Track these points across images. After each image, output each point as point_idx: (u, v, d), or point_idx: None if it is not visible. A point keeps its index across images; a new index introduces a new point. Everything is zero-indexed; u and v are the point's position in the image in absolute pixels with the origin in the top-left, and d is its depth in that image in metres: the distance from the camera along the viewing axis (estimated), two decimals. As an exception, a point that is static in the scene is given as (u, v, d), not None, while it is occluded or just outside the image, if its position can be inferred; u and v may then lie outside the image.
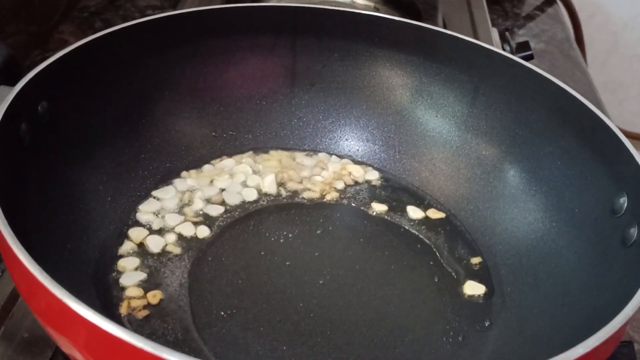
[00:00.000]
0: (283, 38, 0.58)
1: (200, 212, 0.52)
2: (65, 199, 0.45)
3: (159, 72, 0.54)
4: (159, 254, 0.48)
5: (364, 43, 0.58)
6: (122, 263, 0.46)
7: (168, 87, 0.55)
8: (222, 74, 0.57)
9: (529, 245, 0.49)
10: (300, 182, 0.56)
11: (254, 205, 0.53)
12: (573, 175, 0.48)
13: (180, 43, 0.55)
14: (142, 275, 0.46)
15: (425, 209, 0.54)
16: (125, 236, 0.48)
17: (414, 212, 0.54)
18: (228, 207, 0.53)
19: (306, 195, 0.55)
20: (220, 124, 0.58)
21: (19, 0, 0.73)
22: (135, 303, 0.44)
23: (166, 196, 0.52)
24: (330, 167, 0.57)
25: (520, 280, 0.48)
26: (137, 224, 0.50)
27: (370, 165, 0.58)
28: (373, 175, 0.57)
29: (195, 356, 0.27)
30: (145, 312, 0.43)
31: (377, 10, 0.74)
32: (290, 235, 0.51)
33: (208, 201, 0.53)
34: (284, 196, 0.55)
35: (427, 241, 0.52)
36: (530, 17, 1.00)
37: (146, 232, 0.49)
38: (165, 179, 0.54)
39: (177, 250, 0.48)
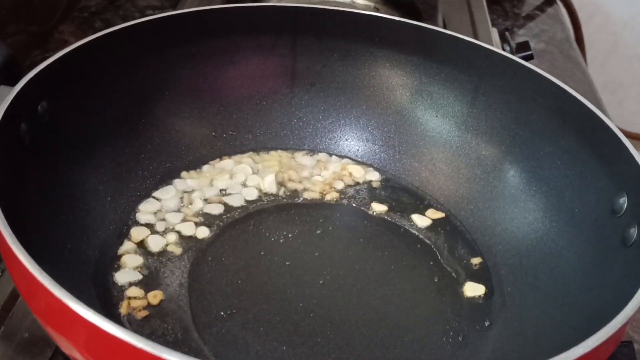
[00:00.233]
0: (283, 38, 0.58)
1: (200, 212, 0.52)
2: (65, 199, 0.45)
3: (159, 72, 0.54)
4: (159, 254, 0.48)
5: (364, 43, 0.58)
6: (124, 259, 0.47)
7: (168, 87, 0.55)
8: (222, 74, 0.57)
9: (529, 245, 0.49)
10: (300, 182, 0.56)
11: (254, 205, 0.53)
12: (573, 175, 0.48)
13: (180, 43, 0.55)
14: (139, 276, 0.46)
15: (428, 214, 0.54)
16: (125, 236, 0.48)
17: (420, 220, 0.53)
18: (228, 207, 0.53)
19: (306, 195, 0.55)
20: (220, 124, 0.58)
21: (19, 0, 0.73)
22: (135, 303, 0.44)
23: (166, 196, 0.52)
24: (330, 167, 0.57)
25: (520, 280, 0.48)
26: (137, 224, 0.50)
27: (370, 165, 0.58)
28: (373, 176, 0.57)
29: (195, 356, 0.27)
30: (145, 312, 0.43)
31: (377, 10, 0.74)
32: (290, 235, 0.51)
33: (208, 201, 0.53)
34: (284, 196, 0.55)
35: (427, 241, 0.52)
36: (530, 17, 1.00)
37: (146, 232, 0.49)
38: (165, 179, 0.54)
39: (177, 250, 0.48)
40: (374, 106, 0.59)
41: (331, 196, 0.55)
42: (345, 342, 0.43)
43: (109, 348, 0.29)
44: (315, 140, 0.59)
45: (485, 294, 0.48)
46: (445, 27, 0.80)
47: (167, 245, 0.49)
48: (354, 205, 0.55)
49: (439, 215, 0.54)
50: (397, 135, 0.58)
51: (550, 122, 0.50)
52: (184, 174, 0.55)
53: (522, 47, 0.69)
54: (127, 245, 0.48)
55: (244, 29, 0.57)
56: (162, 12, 0.54)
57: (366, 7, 0.74)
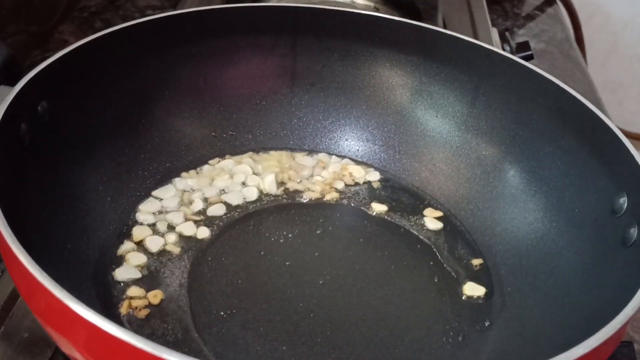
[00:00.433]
0: (283, 38, 0.58)
1: (200, 212, 0.52)
2: (65, 199, 0.45)
3: (159, 72, 0.54)
4: (158, 254, 0.48)
5: (364, 43, 0.58)
6: (128, 256, 0.47)
7: (168, 87, 0.55)
8: (222, 74, 0.57)
9: (529, 245, 0.49)
10: (300, 182, 0.56)
11: (254, 205, 0.53)
12: (573, 175, 0.48)
13: (180, 43, 0.55)
14: (138, 274, 0.46)
15: (428, 214, 0.54)
16: (125, 236, 0.48)
17: (432, 223, 0.53)
18: (228, 207, 0.53)
19: (306, 195, 0.55)
20: (220, 124, 0.58)
21: (19, 0, 0.73)
22: (136, 303, 0.44)
23: (166, 196, 0.52)
24: (330, 167, 0.57)
25: (520, 280, 0.48)
26: (137, 223, 0.50)
27: (370, 165, 0.58)
28: (373, 176, 0.57)
29: (195, 356, 0.27)
30: (145, 312, 0.43)
31: (377, 10, 0.74)
32: (290, 235, 0.51)
33: (208, 201, 0.53)
34: (284, 196, 0.55)
35: (427, 241, 0.52)
36: (530, 17, 1.00)
37: (147, 231, 0.49)
38: (165, 179, 0.54)
39: (177, 250, 0.48)
40: (374, 106, 0.59)
41: (331, 196, 0.55)
42: (345, 342, 0.43)
43: (109, 348, 0.29)
44: (315, 140, 0.59)
45: (485, 294, 0.48)
46: (445, 27, 0.80)
47: (167, 245, 0.49)
48: (353, 205, 0.55)
49: (438, 214, 0.54)
50: (397, 135, 0.58)
51: (550, 122, 0.50)
52: (184, 173, 0.55)
53: (522, 47, 0.69)
54: (127, 245, 0.48)
55: (244, 29, 0.57)
56: (162, 12, 0.54)
57: (366, 7, 0.74)
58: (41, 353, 0.42)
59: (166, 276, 0.46)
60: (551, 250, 0.47)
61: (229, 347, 0.42)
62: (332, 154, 0.59)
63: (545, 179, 0.50)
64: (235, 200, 0.53)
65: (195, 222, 0.51)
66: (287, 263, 0.49)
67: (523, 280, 0.47)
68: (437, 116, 0.57)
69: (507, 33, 0.76)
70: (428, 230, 0.53)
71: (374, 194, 0.56)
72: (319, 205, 0.54)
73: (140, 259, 0.47)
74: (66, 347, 0.33)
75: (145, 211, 0.51)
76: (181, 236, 0.50)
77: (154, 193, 0.52)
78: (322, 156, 0.59)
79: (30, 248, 0.32)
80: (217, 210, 0.52)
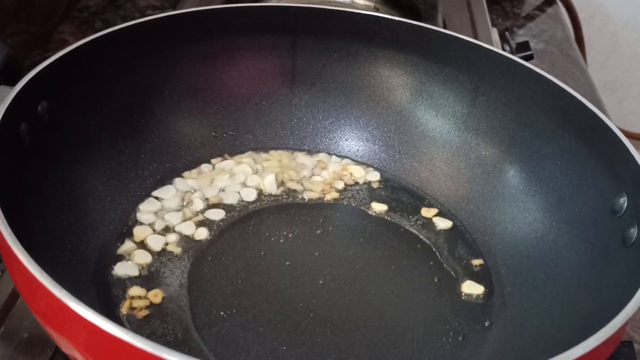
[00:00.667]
0: (283, 38, 0.58)
1: (201, 212, 0.52)
2: (65, 199, 0.45)
3: (159, 72, 0.54)
4: (159, 254, 0.48)
5: (364, 43, 0.58)
6: (134, 253, 0.47)
7: (168, 87, 0.55)
8: (222, 74, 0.57)
9: (529, 245, 0.49)
10: (300, 182, 0.56)
11: (254, 205, 0.53)
12: (573, 175, 0.48)
13: (180, 43, 0.55)
14: (137, 272, 0.46)
15: (427, 214, 0.54)
16: (125, 236, 0.48)
17: (442, 222, 0.54)
18: (228, 207, 0.53)
19: (306, 195, 0.55)
20: (220, 124, 0.58)
21: (19, 1, 0.73)
22: (137, 303, 0.44)
23: (166, 196, 0.52)
24: (330, 167, 0.57)
25: (520, 280, 0.48)
26: (138, 223, 0.50)
27: (370, 165, 0.58)
28: (373, 176, 0.57)
29: (195, 356, 0.27)
30: (145, 312, 0.43)
31: (377, 10, 0.74)
32: (290, 235, 0.51)
33: (208, 201, 0.53)
34: (284, 196, 0.55)
35: (427, 241, 0.52)
36: (530, 17, 1.00)
37: (148, 230, 0.49)
38: (165, 179, 0.54)
39: (177, 250, 0.48)
40: (374, 106, 0.59)
41: (331, 196, 0.55)
42: (345, 342, 0.43)
43: (109, 348, 0.29)
44: (315, 140, 0.59)
45: (484, 293, 0.48)
46: (445, 27, 0.80)
47: (167, 245, 0.49)
48: (354, 205, 0.55)
49: (434, 211, 0.54)
50: (397, 135, 0.58)
51: (550, 122, 0.50)
52: (184, 173, 0.55)
53: (522, 47, 0.69)
54: (128, 245, 0.48)
55: (244, 29, 0.57)
56: (162, 12, 0.54)
57: (366, 7, 0.74)
58: (41, 353, 0.42)
59: (166, 276, 0.46)
60: (551, 250, 0.47)
61: (229, 347, 0.42)
62: (332, 154, 0.59)
63: (545, 179, 0.50)
64: (235, 200, 0.53)
65: (195, 222, 0.51)
66: (287, 263, 0.49)
67: (523, 280, 0.47)
68: (437, 116, 0.57)
69: (507, 33, 0.76)
70: (437, 229, 0.53)
71: (374, 194, 0.56)
72: (319, 205, 0.54)
73: (146, 257, 0.47)
74: (66, 347, 0.33)
75: (146, 211, 0.51)
76: (181, 236, 0.50)
77: (154, 193, 0.52)
78: (322, 156, 0.59)
79: (30, 248, 0.32)
80: (217, 210, 0.52)
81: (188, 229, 0.50)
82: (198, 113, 0.57)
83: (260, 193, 0.54)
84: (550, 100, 0.50)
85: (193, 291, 0.45)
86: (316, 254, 0.50)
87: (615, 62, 1.32)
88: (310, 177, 0.57)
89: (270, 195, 0.55)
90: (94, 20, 0.84)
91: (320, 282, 0.47)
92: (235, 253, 0.49)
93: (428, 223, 0.53)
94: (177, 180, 0.54)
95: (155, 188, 0.53)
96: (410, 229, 0.53)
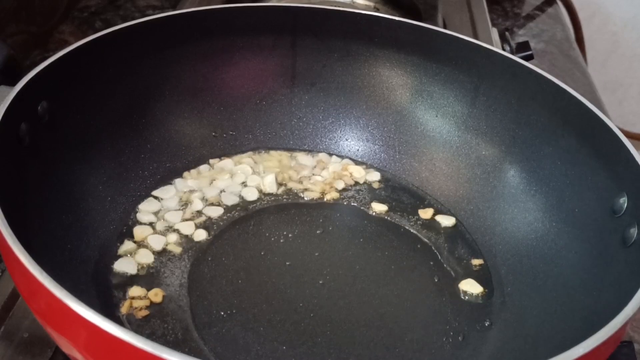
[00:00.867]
0: (283, 38, 0.58)
1: (200, 212, 0.52)
2: (65, 199, 0.45)
3: (159, 72, 0.54)
4: (159, 254, 0.48)
5: (364, 43, 0.58)
6: (138, 251, 0.47)
7: (168, 87, 0.55)
8: (222, 74, 0.57)
9: (529, 245, 0.49)
10: (300, 182, 0.56)
11: (254, 205, 0.54)
12: (573, 175, 0.48)
13: (180, 43, 0.55)
14: (134, 270, 0.46)
15: (426, 214, 0.54)
16: (125, 236, 0.48)
17: (445, 220, 0.54)
18: (228, 207, 0.53)
19: (306, 195, 0.55)
20: (220, 124, 0.58)
21: (19, 1, 0.73)
22: (137, 303, 0.44)
23: (166, 196, 0.52)
24: (331, 167, 0.57)
25: (520, 280, 0.48)
26: (138, 223, 0.50)
27: (370, 165, 0.58)
28: (373, 176, 0.57)
29: (195, 356, 0.27)
30: (145, 312, 0.43)
31: (377, 10, 0.74)
32: (290, 235, 0.51)
33: (208, 201, 0.53)
34: (284, 196, 0.55)
35: (427, 241, 0.52)
36: (530, 17, 1.00)
37: (148, 230, 0.49)
38: (165, 179, 0.54)
39: (177, 250, 0.48)
40: (374, 106, 0.59)
41: (331, 196, 0.55)
42: (345, 342, 0.43)
43: (109, 348, 0.29)
44: (315, 140, 0.59)
45: (483, 292, 0.48)
46: (445, 27, 0.80)
47: (167, 244, 0.49)
48: (354, 205, 0.55)
49: (431, 212, 0.54)
50: (397, 135, 0.58)
51: (550, 122, 0.50)
52: (184, 173, 0.55)
53: (522, 47, 0.69)
54: (128, 245, 0.48)
55: (244, 29, 0.57)
56: (162, 12, 0.54)
57: (366, 7, 0.74)
58: (41, 353, 0.42)
59: (166, 276, 0.46)
60: (551, 250, 0.47)
61: (229, 347, 0.42)
62: (332, 154, 0.59)
63: (545, 179, 0.50)
64: (235, 200, 0.53)
65: (195, 222, 0.51)
66: (287, 263, 0.49)
67: (523, 280, 0.47)
68: (437, 116, 0.57)
69: (507, 33, 0.76)
70: (438, 228, 0.53)
71: (374, 194, 0.56)
72: (319, 205, 0.54)
73: (148, 257, 0.47)
74: (66, 347, 0.33)
75: (146, 211, 0.51)
76: (181, 236, 0.50)
77: (154, 193, 0.52)
78: (322, 156, 0.59)
79: (30, 248, 0.32)
80: (217, 210, 0.52)
81: (188, 228, 0.50)
82: (198, 113, 0.57)
83: (260, 193, 0.54)
84: (550, 100, 0.50)
85: (193, 291, 0.45)
86: (316, 254, 0.50)
87: (615, 62, 1.32)
88: (310, 177, 0.57)
89: (270, 195, 0.55)
90: (94, 20, 0.84)
91: (320, 282, 0.47)
92: (235, 253, 0.49)
93: (429, 223, 0.53)
94: (177, 180, 0.54)
95: (155, 188, 0.53)
96: (410, 229, 0.53)
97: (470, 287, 0.48)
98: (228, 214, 0.52)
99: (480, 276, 0.49)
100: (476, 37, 0.78)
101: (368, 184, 0.57)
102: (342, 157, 0.59)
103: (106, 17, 0.85)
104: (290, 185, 0.56)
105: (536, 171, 0.51)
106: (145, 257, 0.47)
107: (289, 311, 0.45)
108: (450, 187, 0.56)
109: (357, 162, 0.58)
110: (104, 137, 0.50)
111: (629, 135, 0.87)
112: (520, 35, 0.94)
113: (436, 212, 0.54)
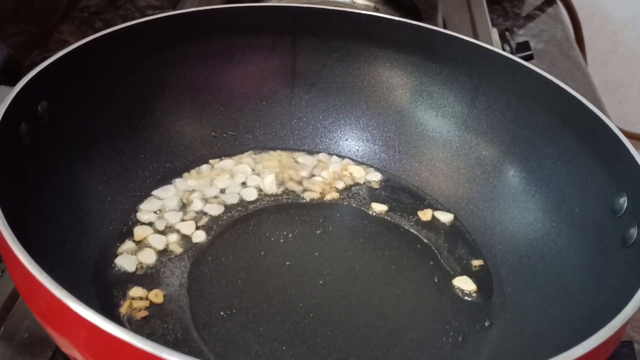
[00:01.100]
0: (283, 38, 0.58)
1: (201, 212, 0.52)
2: (65, 199, 0.45)
3: (159, 72, 0.54)
4: (159, 254, 0.48)
5: (364, 43, 0.58)
6: (145, 250, 0.47)
7: (168, 87, 0.55)
8: (222, 74, 0.57)
9: (529, 245, 0.49)
10: (300, 182, 0.56)
11: (254, 205, 0.53)
12: (573, 175, 0.48)
13: (180, 43, 0.55)
14: (133, 267, 0.46)
15: (426, 214, 0.54)
16: (125, 236, 0.48)
17: (443, 216, 0.54)
18: (228, 207, 0.53)
19: (306, 195, 0.55)
20: (220, 124, 0.58)
21: (19, 1, 0.73)
22: (137, 303, 0.44)
23: (166, 196, 0.52)
24: (331, 167, 0.57)
25: (520, 280, 0.48)
26: (138, 223, 0.50)
27: (370, 165, 0.58)
28: (373, 176, 0.57)
29: (195, 356, 0.27)
30: (145, 313, 0.43)
31: (377, 10, 0.74)
32: (290, 235, 0.51)
33: (208, 201, 0.53)
34: (284, 196, 0.55)
35: (427, 241, 0.52)
36: (530, 17, 1.00)
37: (149, 230, 0.49)
38: (166, 179, 0.54)
39: (177, 250, 0.48)
40: (374, 106, 0.59)
41: (331, 196, 0.55)
42: (345, 342, 0.43)
43: (109, 348, 0.29)
44: (315, 140, 0.59)
45: (476, 290, 0.48)
46: (445, 27, 0.80)
47: (167, 244, 0.49)
48: (354, 205, 0.55)
49: (430, 213, 0.54)
50: (397, 135, 0.58)
51: (550, 122, 0.50)
52: (184, 174, 0.55)
53: (522, 47, 0.69)
54: (128, 245, 0.48)
55: (244, 29, 0.57)
56: (162, 12, 0.54)
57: (366, 7, 0.74)
58: (41, 353, 0.42)
59: (166, 276, 0.46)
60: (551, 250, 0.47)
61: (229, 347, 0.42)
62: (332, 154, 0.59)
63: (545, 179, 0.50)
64: (235, 200, 0.53)
65: (195, 222, 0.51)
66: (287, 263, 0.49)
67: (523, 280, 0.47)
68: (437, 116, 0.57)
69: (507, 33, 0.77)
70: (438, 225, 0.53)
71: (374, 194, 0.56)
72: (319, 205, 0.54)
73: (150, 257, 0.47)
74: (66, 347, 0.33)
75: (146, 210, 0.51)
76: (181, 236, 0.50)
77: (154, 193, 0.52)
78: (322, 156, 0.59)
79: (30, 248, 0.32)
80: (217, 210, 0.52)
81: (188, 228, 0.50)
82: (198, 113, 0.57)
83: (260, 193, 0.54)
84: (550, 100, 0.50)
85: (193, 291, 0.45)
86: (316, 254, 0.50)
87: (615, 62, 1.32)
88: (310, 177, 0.57)
89: (270, 195, 0.55)
90: (94, 20, 0.84)
91: (320, 282, 0.47)
92: (235, 253, 0.49)
93: (429, 223, 0.53)
94: (177, 180, 0.54)
95: (155, 188, 0.53)
96: (410, 229, 0.53)
97: (464, 284, 0.48)
98: (228, 214, 0.52)
99: (480, 276, 0.49)
100: (476, 37, 0.78)
101: (368, 184, 0.57)
102: (342, 157, 0.59)
103: (106, 17, 0.85)
104: (290, 185, 0.56)
105: (536, 171, 0.51)
106: (146, 257, 0.47)
107: (289, 311, 0.45)
108: (450, 187, 0.56)
109: (357, 162, 0.58)
110: (104, 137, 0.50)
111: (629, 135, 0.87)
112: (520, 35, 0.94)
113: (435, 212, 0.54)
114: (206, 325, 0.43)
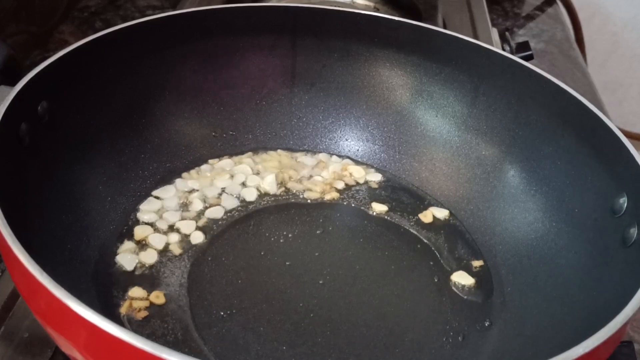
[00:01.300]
0: (283, 38, 0.58)
1: (200, 212, 0.52)
2: (65, 199, 0.45)
3: (159, 72, 0.54)
4: (159, 254, 0.48)
5: (364, 43, 0.58)
6: (142, 255, 0.47)
7: (168, 87, 0.55)
8: (222, 74, 0.57)
9: (529, 245, 0.49)
10: (300, 182, 0.56)
11: (254, 205, 0.53)
12: (573, 175, 0.48)
13: (180, 43, 0.55)
14: (132, 265, 0.46)
15: (426, 215, 0.54)
16: (125, 236, 0.48)
17: (439, 212, 0.54)
18: (228, 207, 0.53)
19: (306, 195, 0.55)
20: (220, 124, 0.58)
21: (19, 1, 0.73)
22: (137, 304, 0.44)
23: (166, 196, 0.52)
24: (331, 167, 0.57)
25: (520, 280, 0.48)
26: (138, 223, 0.50)
27: (370, 165, 0.58)
28: (373, 176, 0.57)
29: (195, 356, 0.27)
30: (144, 313, 0.43)
31: (377, 10, 0.74)
32: (290, 235, 0.51)
33: (208, 201, 0.53)
34: (284, 196, 0.55)
35: (427, 241, 0.52)
36: (530, 17, 1.00)
37: (149, 230, 0.49)
38: (166, 179, 0.54)
39: (177, 250, 0.48)
40: (374, 106, 0.59)
41: (331, 196, 0.55)
42: (345, 342, 0.43)
43: (109, 348, 0.29)
44: (315, 140, 0.59)
45: (474, 285, 0.48)
46: (445, 27, 0.81)
47: (167, 244, 0.49)
48: (354, 205, 0.55)
49: (431, 215, 0.54)
50: (397, 135, 0.58)
51: (550, 122, 0.50)
52: (184, 174, 0.55)
53: (522, 47, 0.69)
54: (128, 245, 0.48)
55: (244, 29, 0.57)
56: (162, 12, 0.54)
57: (366, 7, 0.74)
58: (41, 353, 0.42)
59: (166, 276, 0.46)
60: (551, 250, 0.47)
61: (229, 347, 0.42)
62: (332, 154, 0.59)
63: (545, 179, 0.50)
64: (235, 200, 0.53)
65: (195, 222, 0.51)
66: (287, 263, 0.49)
67: (523, 280, 0.47)
68: (437, 116, 0.57)
69: (507, 33, 0.77)
70: (434, 220, 0.53)
71: (374, 194, 0.56)
72: (319, 205, 0.54)
73: (152, 257, 0.47)
74: (66, 347, 0.33)
75: (146, 210, 0.51)
76: (181, 236, 0.50)
77: (154, 193, 0.52)
78: (322, 156, 0.59)
79: (30, 248, 0.32)
80: (217, 210, 0.52)
81: (188, 228, 0.50)
82: (198, 113, 0.57)
83: (260, 193, 0.54)
84: (550, 100, 0.50)
85: (193, 291, 0.45)
86: (316, 254, 0.50)
87: (615, 62, 1.32)
88: (310, 177, 0.57)
89: (270, 195, 0.55)
90: (94, 20, 0.84)
91: (320, 282, 0.47)
92: (235, 253, 0.49)
93: (429, 223, 0.53)
94: (177, 180, 0.54)
95: (155, 188, 0.53)
96: (410, 229, 0.53)
97: (462, 278, 0.48)
98: (228, 214, 0.52)
99: (480, 276, 0.49)
100: (476, 37, 0.78)
101: (368, 184, 0.57)
102: (342, 157, 0.59)
103: (106, 17, 0.85)
104: (290, 185, 0.56)
105: (536, 171, 0.51)
106: (146, 257, 0.47)
107: (289, 311, 0.45)
108: (450, 187, 0.56)
109: (357, 162, 0.58)
110: (104, 137, 0.50)
111: (629, 135, 0.87)
112: (520, 35, 0.94)
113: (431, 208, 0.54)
114: (206, 325, 0.43)
